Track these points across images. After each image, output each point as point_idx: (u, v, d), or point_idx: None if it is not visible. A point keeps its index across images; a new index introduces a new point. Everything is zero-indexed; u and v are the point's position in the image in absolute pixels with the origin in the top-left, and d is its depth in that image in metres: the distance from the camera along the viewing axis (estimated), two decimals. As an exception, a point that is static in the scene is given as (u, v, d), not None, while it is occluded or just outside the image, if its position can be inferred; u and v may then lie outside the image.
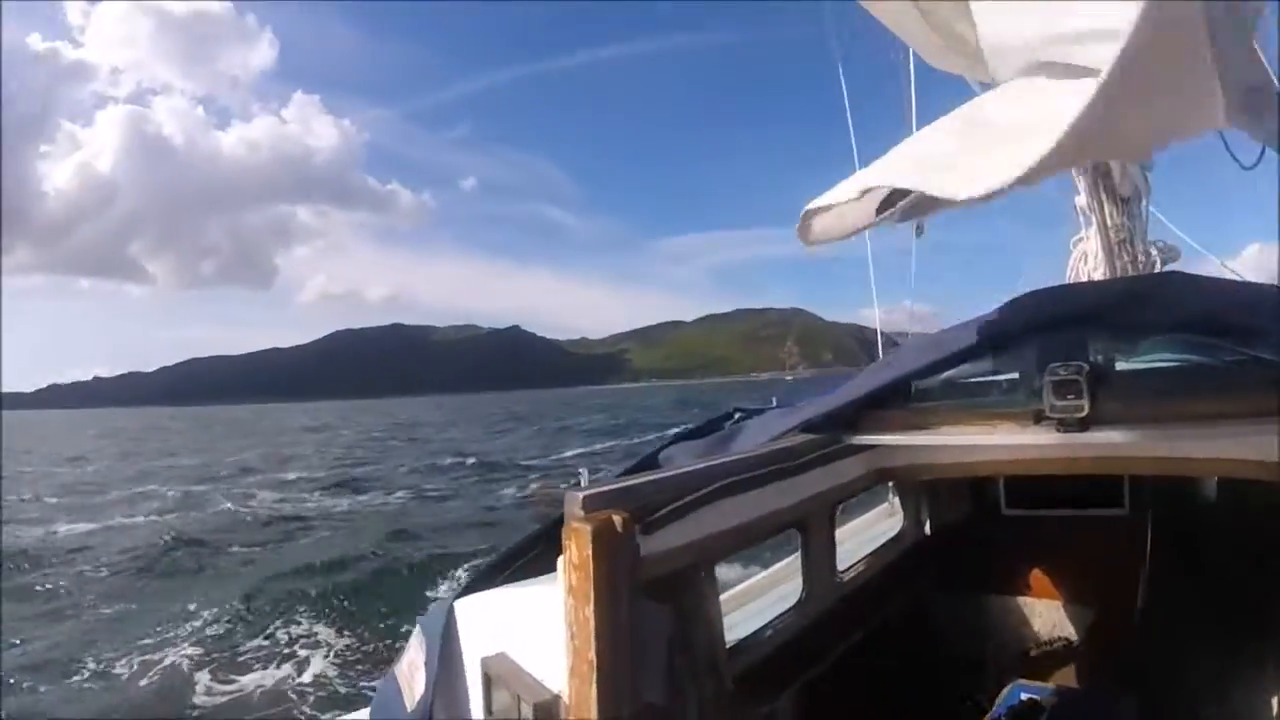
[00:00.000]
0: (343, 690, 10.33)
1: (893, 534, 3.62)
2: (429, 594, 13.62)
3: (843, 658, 2.91)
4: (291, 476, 36.14)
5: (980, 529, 3.83)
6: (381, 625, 12.44)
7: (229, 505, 26.30)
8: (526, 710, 1.93)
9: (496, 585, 2.49)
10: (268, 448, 60.22)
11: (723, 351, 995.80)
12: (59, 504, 29.57)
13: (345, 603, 13.62)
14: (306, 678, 10.79)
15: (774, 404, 3.08)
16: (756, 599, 3.24)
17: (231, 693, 10.54)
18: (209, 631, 12.87)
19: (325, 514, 24.67)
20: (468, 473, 34.25)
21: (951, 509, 3.80)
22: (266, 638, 12.42)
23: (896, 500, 3.89)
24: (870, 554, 3.36)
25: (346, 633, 12.34)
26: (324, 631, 12.48)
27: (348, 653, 11.60)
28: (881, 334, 5.54)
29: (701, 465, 2.28)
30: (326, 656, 11.47)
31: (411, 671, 2.64)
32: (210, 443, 71.42)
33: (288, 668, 11.17)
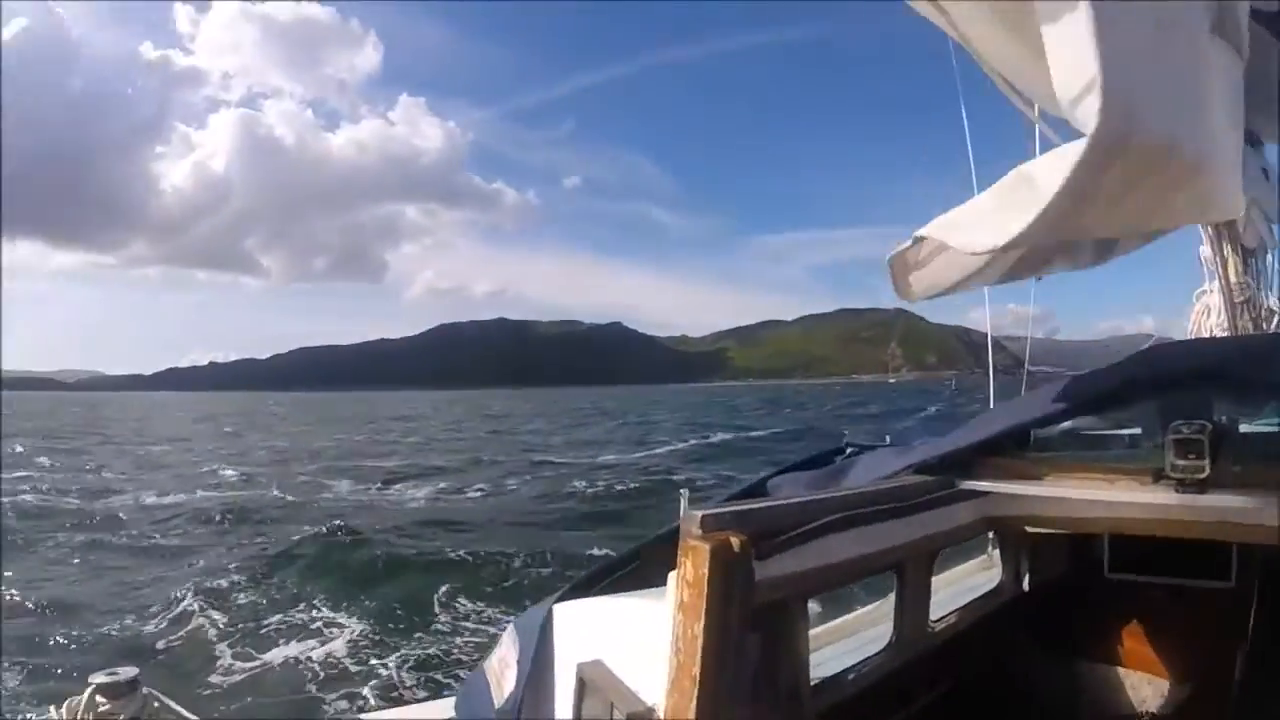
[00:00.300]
0: (353, 669, 10.70)
1: (990, 587, 3.50)
2: (441, 590, 13.67)
3: (929, 707, 2.84)
4: (368, 464, 37.11)
5: (1081, 590, 3.64)
6: (395, 625, 12.37)
7: (276, 492, 26.66)
8: (619, 718, 1.92)
9: (595, 594, 2.53)
10: (350, 434, 62.26)
11: (823, 351, 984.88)
12: (149, 479, 31.82)
13: (365, 595, 13.73)
14: (318, 654, 11.23)
15: (887, 441, 3.10)
16: (841, 640, 3.19)
17: (253, 667, 10.90)
18: (239, 599, 13.70)
19: (374, 503, 25.09)
20: (536, 469, 33.76)
21: (1053, 567, 3.62)
22: (290, 615, 12.87)
23: (996, 553, 3.77)
24: (965, 605, 3.25)
25: (365, 621, 12.48)
26: (343, 617, 12.71)
27: (360, 639, 11.82)
28: (991, 338, 5.34)
29: (816, 496, 2.26)
30: (344, 639, 11.79)
31: (502, 669, 2.65)
32: (303, 426, 74.93)
33: (308, 644, 11.61)
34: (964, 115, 4.67)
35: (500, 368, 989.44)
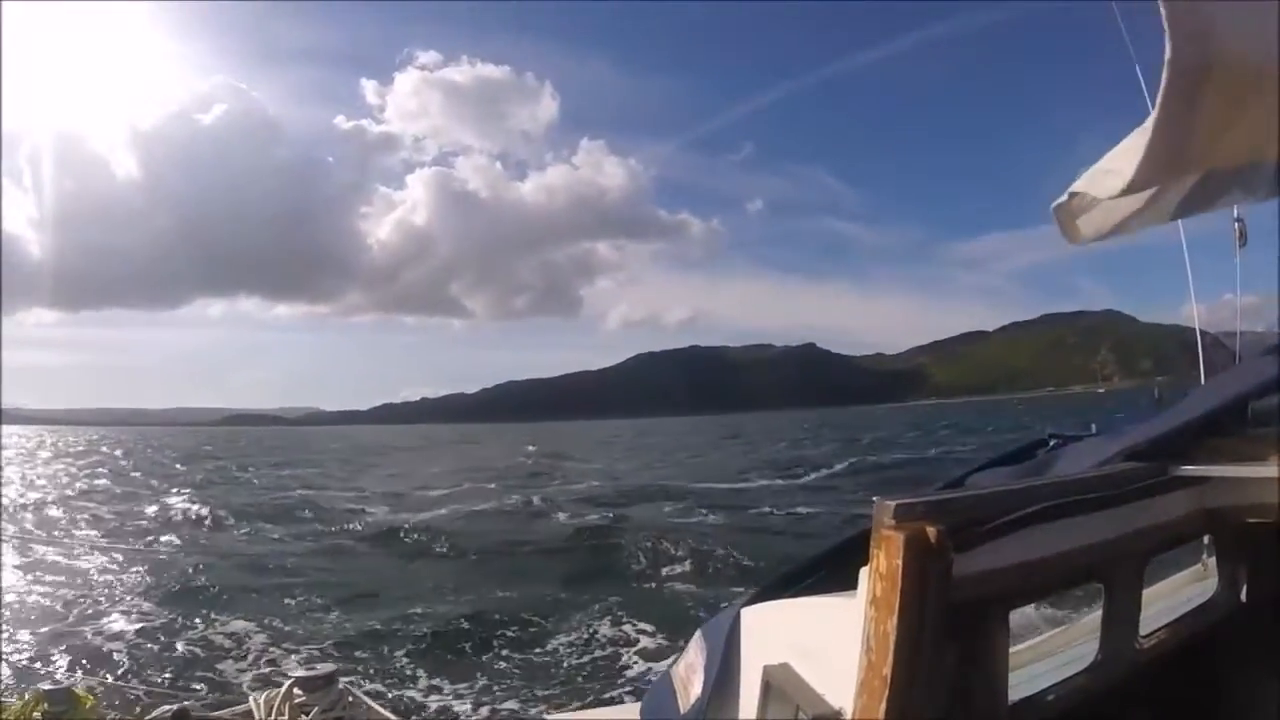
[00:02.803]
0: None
1: (1203, 600, 2.97)
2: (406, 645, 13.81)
3: None
4: (492, 485, 41.77)
5: None
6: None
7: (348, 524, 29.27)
8: None
9: (785, 596, 2.48)
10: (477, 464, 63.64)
11: (1028, 363, 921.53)
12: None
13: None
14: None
15: (1092, 430, 2.91)
16: (1039, 660, 2.93)
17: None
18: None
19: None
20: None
21: (1274, 575, 2.90)
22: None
23: (1211, 562, 3.22)
24: (1177, 620, 2.81)
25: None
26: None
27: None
28: (1203, 334, 4.42)
29: (1018, 486, 2.20)
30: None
31: (688, 674, 2.70)
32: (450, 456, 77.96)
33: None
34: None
35: (698, 395, 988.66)
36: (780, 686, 2.03)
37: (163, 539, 24.84)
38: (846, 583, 1.90)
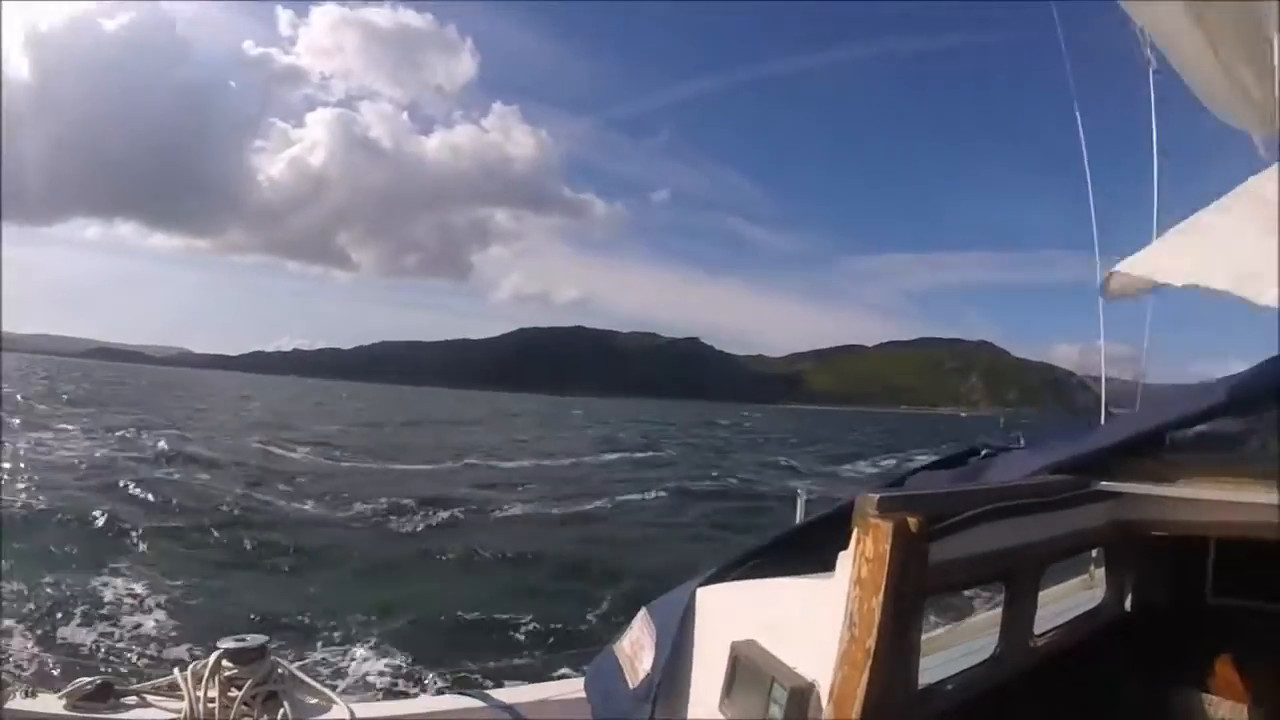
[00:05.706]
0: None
1: (1091, 606, 3.41)
2: None
3: None
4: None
5: (1183, 614, 3.41)
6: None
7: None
8: (779, 693, 1.91)
9: (739, 579, 2.53)
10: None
11: (904, 380, 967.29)
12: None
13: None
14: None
15: (1020, 443, 3.11)
16: (935, 652, 3.02)
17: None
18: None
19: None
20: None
21: (1156, 588, 3.44)
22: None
23: (1099, 573, 3.67)
24: (1066, 623, 3.18)
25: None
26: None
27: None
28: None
29: (972, 488, 2.41)
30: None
31: (635, 651, 2.70)
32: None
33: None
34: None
35: (580, 376, 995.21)
36: (750, 661, 2.11)
37: (72, 485, 22.22)
38: (794, 568, 2.13)
